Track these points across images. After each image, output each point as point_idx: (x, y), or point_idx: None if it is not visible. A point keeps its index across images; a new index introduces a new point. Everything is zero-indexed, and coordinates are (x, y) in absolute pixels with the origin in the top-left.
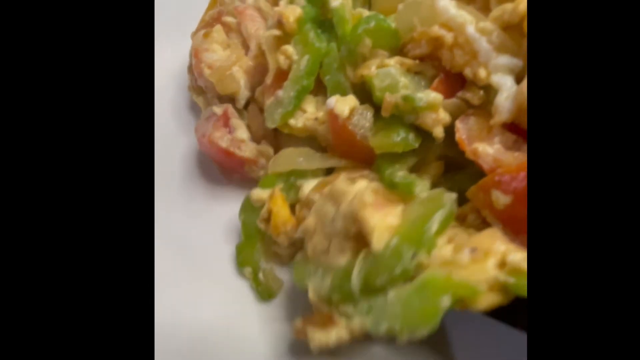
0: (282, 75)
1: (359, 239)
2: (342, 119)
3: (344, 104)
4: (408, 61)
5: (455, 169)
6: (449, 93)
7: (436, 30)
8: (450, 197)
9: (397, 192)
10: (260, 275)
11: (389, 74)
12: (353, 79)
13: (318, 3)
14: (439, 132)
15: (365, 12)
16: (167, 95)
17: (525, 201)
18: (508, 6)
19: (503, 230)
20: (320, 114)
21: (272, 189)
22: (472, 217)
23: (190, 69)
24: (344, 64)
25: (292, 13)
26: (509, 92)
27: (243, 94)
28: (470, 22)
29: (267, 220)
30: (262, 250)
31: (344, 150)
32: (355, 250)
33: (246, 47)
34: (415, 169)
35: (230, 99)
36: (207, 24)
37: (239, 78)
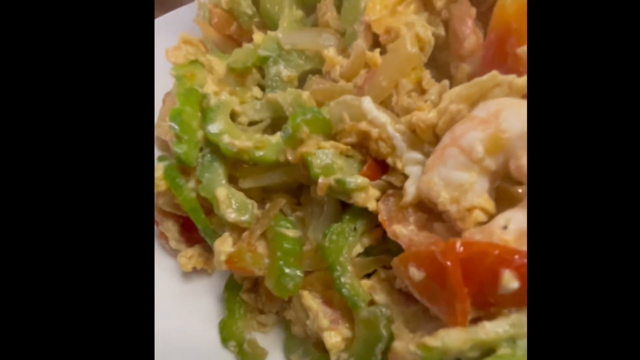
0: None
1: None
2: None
3: (218, 257)
4: (341, 146)
5: None
6: (376, 176)
7: (364, 125)
8: (385, 318)
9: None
10: (246, 347)
11: (327, 154)
12: (293, 159)
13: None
14: (373, 206)
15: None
16: None
17: (437, 277)
18: (407, 117)
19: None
20: None
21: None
22: (399, 281)
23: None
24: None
25: (157, 176)
26: (414, 179)
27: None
28: (389, 123)
29: (251, 290)
30: (243, 322)
31: None
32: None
33: None
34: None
35: None
36: None
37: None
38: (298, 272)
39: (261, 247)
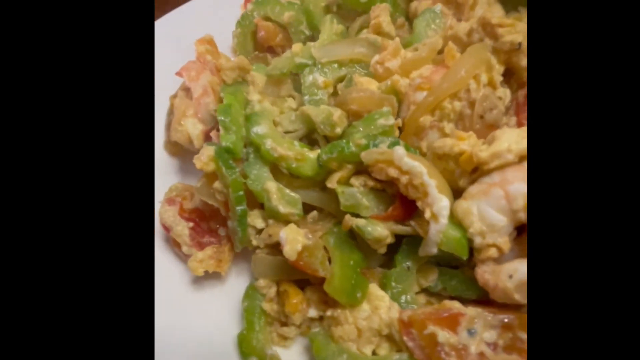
0: (227, 205)
1: (389, 338)
2: (295, 254)
3: (293, 245)
4: (371, 182)
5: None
6: (403, 216)
7: (392, 172)
8: None
9: None
10: None
11: (353, 195)
12: (331, 186)
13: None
14: (382, 250)
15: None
16: None
17: None
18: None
19: None
20: (270, 231)
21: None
22: None
23: (168, 126)
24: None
25: (205, 156)
26: (439, 230)
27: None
28: (426, 173)
29: (273, 300)
30: (264, 335)
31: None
32: (380, 345)
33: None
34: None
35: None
36: None
37: (187, 128)
38: (367, 283)
39: None
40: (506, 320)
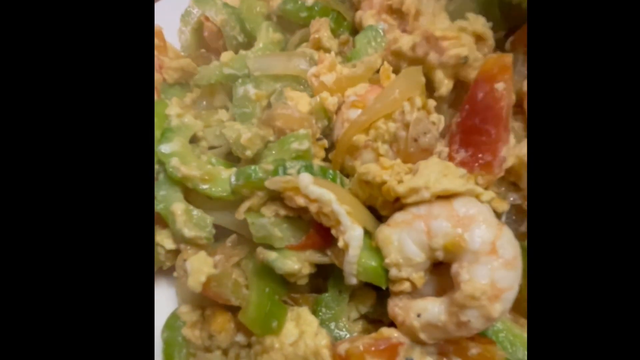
0: None
1: None
2: (200, 286)
3: (196, 277)
4: (284, 210)
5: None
6: (318, 245)
7: (301, 201)
8: None
9: None
10: None
11: (264, 226)
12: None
13: None
14: (302, 282)
15: None
16: None
17: None
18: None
19: None
20: (184, 256)
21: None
22: None
23: None
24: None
25: None
26: (353, 260)
27: None
28: (334, 200)
29: (196, 325)
30: None
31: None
32: None
33: None
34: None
35: None
36: None
37: None
38: (284, 312)
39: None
40: (442, 346)
